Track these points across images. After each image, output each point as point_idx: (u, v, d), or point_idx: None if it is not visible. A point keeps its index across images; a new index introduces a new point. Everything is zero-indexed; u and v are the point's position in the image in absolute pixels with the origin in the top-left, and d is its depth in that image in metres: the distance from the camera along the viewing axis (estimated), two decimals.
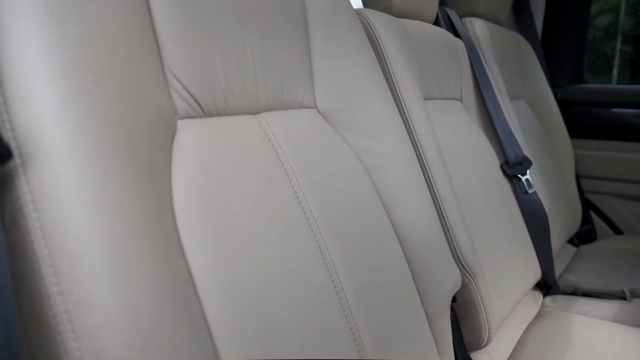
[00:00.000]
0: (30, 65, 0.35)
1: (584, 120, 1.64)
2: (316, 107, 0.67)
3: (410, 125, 0.79)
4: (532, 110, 1.47)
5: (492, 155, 1.06)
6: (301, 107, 0.64)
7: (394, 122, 0.71)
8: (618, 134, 1.58)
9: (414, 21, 0.97)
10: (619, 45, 2.74)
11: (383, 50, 0.80)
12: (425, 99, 0.93)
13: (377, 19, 0.82)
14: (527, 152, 1.18)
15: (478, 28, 1.22)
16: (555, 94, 1.64)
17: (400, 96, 0.80)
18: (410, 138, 0.78)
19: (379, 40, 0.80)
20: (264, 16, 0.60)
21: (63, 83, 0.36)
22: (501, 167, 1.06)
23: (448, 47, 1.03)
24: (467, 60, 1.10)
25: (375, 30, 0.80)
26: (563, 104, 1.65)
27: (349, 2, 0.74)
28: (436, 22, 1.12)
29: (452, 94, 1.03)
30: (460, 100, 1.07)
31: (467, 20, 1.23)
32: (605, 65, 2.69)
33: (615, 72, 2.65)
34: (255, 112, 0.58)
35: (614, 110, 1.60)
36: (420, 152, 0.79)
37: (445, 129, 0.94)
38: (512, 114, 1.19)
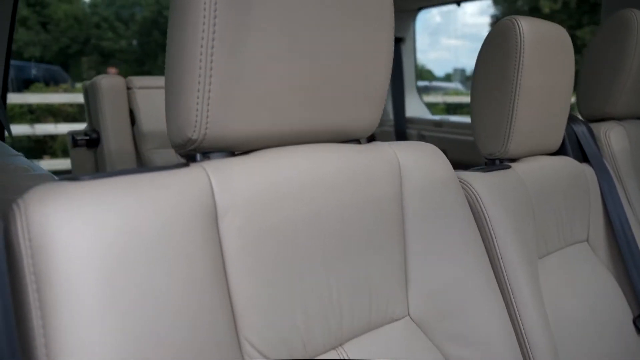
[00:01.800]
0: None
1: None
2: (409, 315, 0.61)
3: (517, 314, 0.70)
4: None
5: (623, 307, 0.91)
6: (392, 320, 0.59)
7: (500, 326, 0.63)
8: None
9: (531, 160, 0.87)
10: None
11: (488, 222, 0.72)
12: (542, 257, 0.83)
13: (480, 184, 0.74)
14: None
15: (614, 140, 1.06)
16: None
17: (505, 275, 0.72)
18: (515, 330, 0.69)
19: (484, 211, 0.73)
20: (355, 237, 0.55)
21: None
22: (634, 321, 0.91)
23: (573, 181, 0.91)
24: (597, 190, 0.96)
25: (479, 200, 0.73)
26: None
27: (452, 172, 0.67)
28: (562, 145, 0.99)
29: (576, 237, 0.91)
30: (587, 240, 0.94)
31: (602, 130, 1.07)
32: None
33: None
34: (337, 345, 0.54)
35: None
36: (527, 346, 0.70)
37: (563, 287, 0.83)
38: None
